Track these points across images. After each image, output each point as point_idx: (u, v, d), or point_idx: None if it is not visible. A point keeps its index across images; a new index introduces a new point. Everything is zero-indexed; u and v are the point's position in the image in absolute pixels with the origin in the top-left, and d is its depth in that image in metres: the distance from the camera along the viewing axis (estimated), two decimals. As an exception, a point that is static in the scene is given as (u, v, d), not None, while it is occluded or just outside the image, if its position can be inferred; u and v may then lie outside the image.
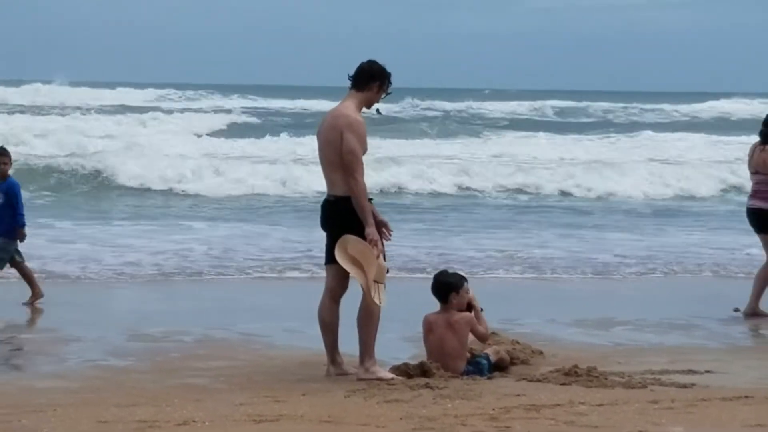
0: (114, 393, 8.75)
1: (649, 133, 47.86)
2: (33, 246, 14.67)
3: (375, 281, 9.08)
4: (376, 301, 9.12)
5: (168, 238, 18.78)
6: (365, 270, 9.04)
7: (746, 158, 13.29)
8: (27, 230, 13.36)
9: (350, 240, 9.09)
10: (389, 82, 9.39)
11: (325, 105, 52.82)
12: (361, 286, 9.14)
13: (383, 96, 9.42)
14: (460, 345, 9.49)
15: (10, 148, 13.85)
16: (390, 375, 9.21)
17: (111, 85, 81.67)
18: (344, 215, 9.15)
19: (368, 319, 9.22)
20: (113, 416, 7.76)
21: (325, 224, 9.37)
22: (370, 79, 9.32)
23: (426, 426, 7.45)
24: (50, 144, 34.66)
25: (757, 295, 13.17)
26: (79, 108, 52.82)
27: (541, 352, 10.33)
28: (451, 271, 10.05)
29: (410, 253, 17.09)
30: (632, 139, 45.02)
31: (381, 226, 9.29)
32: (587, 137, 45.64)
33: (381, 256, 9.12)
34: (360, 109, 9.32)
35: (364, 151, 9.19)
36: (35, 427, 7.46)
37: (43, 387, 9.08)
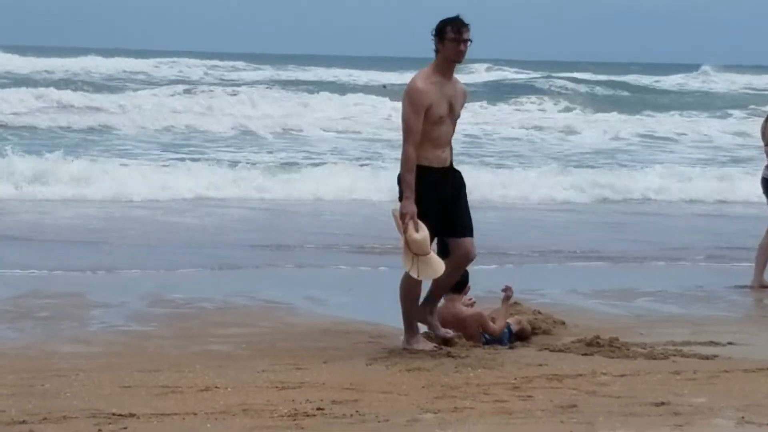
0: (136, 358, 8.78)
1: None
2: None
3: (415, 254, 8.76)
4: (413, 274, 8.85)
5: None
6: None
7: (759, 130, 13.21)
8: None
9: (394, 209, 8.96)
10: (454, 29, 8.94)
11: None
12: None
13: (457, 44, 8.91)
14: (473, 340, 9.41)
15: None
16: (430, 345, 9.09)
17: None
18: (399, 183, 8.97)
19: (403, 292, 9.09)
20: (136, 381, 7.79)
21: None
22: (434, 39, 9.01)
23: (448, 394, 7.45)
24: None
25: (761, 266, 13.13)
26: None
27: (563, 323, 10.32)
28: None
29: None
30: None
31: None
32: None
33: (412, 229, 8.73)
34: (435, 72, 8.95)
35: (434, 115, 8.84)
36: (58, 391, 7.49)
37: (65, 351, 9.12)
